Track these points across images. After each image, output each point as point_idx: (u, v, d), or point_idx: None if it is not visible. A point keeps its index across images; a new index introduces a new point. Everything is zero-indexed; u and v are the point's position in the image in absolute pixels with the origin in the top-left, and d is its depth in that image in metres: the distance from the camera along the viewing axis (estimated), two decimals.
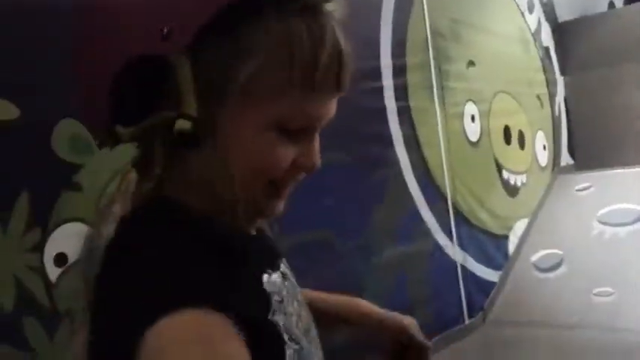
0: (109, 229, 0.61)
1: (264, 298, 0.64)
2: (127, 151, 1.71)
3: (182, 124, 0.56)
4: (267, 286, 0.65)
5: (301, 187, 0.72)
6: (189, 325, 0.49)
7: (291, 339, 0.64)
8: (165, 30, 0.55)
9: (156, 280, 0.53)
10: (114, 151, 1.74)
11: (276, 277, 0.68)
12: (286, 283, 0.71)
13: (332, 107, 0.63)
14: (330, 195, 2.25)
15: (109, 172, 1.76)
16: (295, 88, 0.57)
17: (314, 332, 0.73)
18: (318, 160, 0.63)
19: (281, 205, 0.67)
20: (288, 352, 0.63)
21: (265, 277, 0.66)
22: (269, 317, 0.63)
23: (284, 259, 0.76)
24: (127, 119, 0.59)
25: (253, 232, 0.71)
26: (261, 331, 0.56)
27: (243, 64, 0.56)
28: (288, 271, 0.75)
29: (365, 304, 0.95)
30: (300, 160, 0.62)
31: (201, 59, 0.57)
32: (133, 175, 0.65)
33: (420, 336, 0.89)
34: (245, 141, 0.58)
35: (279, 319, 0.63)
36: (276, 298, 0.65)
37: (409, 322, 0.91)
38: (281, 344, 0.62)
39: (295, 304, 0.70)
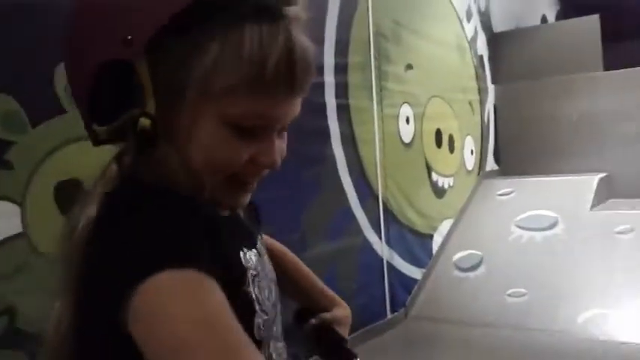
0: (90, 210, 0.62)
1: (240, 271, 0.68)
2: (63, 130, 1.67)
3: (143, 122, 0.59)
4: (243, 261, 0.69)
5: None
6: (182, 279, 0.53)
7: (261, 310, 0.68)
8: (129, 37, 0.58)
9: (149, 240, 0.56)
10: (49, 129, 1.70)
11: (251, 254, 0.72)
12: (261, 260, 0.75)
13: (291, 108, 0.64)
14: (262, 189, 2.25)
15: (43, 151, 1.71)
16: (245, 89, 0.59)
17: (279, 306, 0.77)
18: (277, 157, 0.65)
19: (246, 199, 0.69)
20: (257, 321, 0.67)
21: (241, 253, 0.69)
22: (244, 288, 0.67)
23: (260, 238, 0.80)
24: (101, 119, 0.62)
25: (226, 214, 0.74)
26: (235, 300, 0.58)
27: (197, 64, 0.58)
28: (263, 249, 0.78)
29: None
30: (258, 158, 0.63)
31: (159, 61, 0.59)
32: (115, 167, 0.66)
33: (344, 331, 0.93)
34: (201, 137, 0.61)
35: (252, 290, 0.68)
36: (251, 272, 0.69)
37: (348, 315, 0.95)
38: (252, 313, 0.67)
39: (268, 279, 0.74)
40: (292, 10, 0.62)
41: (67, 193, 1.68)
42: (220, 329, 0.53)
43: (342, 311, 0.92)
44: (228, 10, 0.58)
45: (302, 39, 0.62)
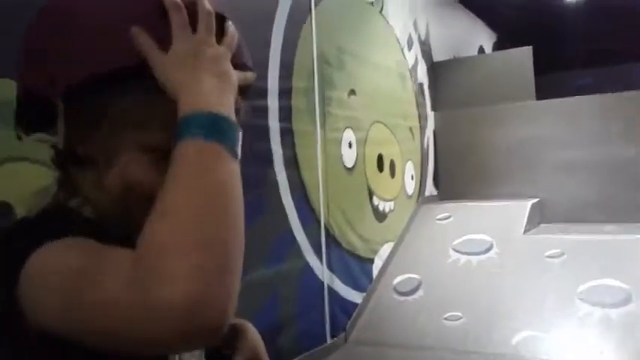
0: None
1: None
2: None
3: (53, 152, 0.68)
4: None
5: None
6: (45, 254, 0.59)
7: None
8: (52, 79, 0.64)
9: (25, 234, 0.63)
10: None
11: None
12: None
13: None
14: None
15: None
16: (157, 123, 0.64)
17: None
18: None
19: None
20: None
21: None
22: None
23: None
24: (23, 129, 0.70)
25: None
26: None
27: (113, 105, 0.65)
28: None
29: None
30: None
31: (75, 100, 0.65)
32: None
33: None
34: (119, 162, 0.66)
35: None
36: None
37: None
38: None
39: None
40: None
41: None
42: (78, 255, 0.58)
43: (248, 339, 0.92)
44: (138, 85, 0.64)
45: None
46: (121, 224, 0.68)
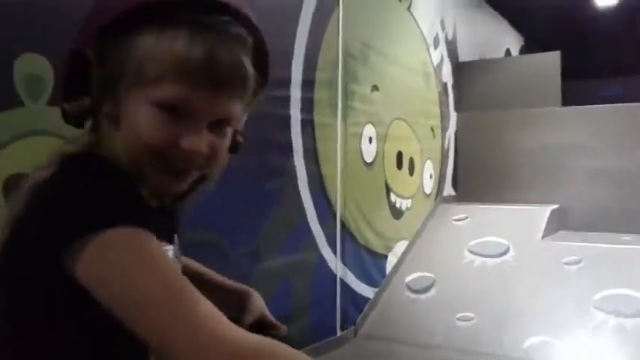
0: (41, 173, 0.70)
1: None
2: (20, 123, 1.62)
3: (84, 103, 0.70)
4: None
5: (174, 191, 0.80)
6: (136, 237, 0.62)
7: None
8: (82, 30, 0.69)
9: (99, 199, 0.64)
10: (3, 121, 1.65)
11: (169, 250, 0.79)
12: (175, 257, 0.83)
13: (218, 104, 0.71)
14: (221, 197, 2.23)
15: None
16: (173, 77, 0.67)
17: None
18: (201, 146, 0.71)
19: (177, 187, 0.75)
20: None
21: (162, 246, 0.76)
22: None
23: (176, 241, 0.87)
24: (67, 99, 0.72)
25: (153, 204, 0.79)
26: None
27: (134, 55, 0.68)
28: (178, 251, 0.87)
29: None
30: (181, 141, 0.70)
31: (105, 53, 0.69)
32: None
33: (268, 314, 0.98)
34: (132, 116, 0.69)
35: None
36: None
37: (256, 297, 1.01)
38: None
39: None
40: (229, 30, 0.71)
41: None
42: (172, 282, 0.62)
43: (254, 302, 0.97)
44: (167, 15, 0.68)
45: (228, 49, 0.70)
46: (137, 181, 0.71)
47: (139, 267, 0.61)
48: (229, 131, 0.75)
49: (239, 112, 0.74)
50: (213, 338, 0.59)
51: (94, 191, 0.64)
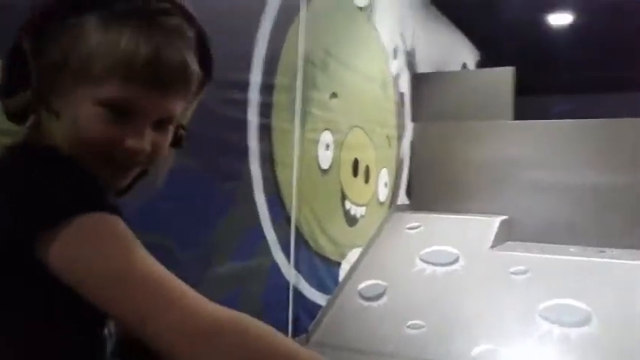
0: None
1: None
2: None
3: (23, 97, 0.69)
4: None
5: (140, 186, 0.80)
6: (107, 221, 0.64)
7: None
8: (23, 24, 0.68)
9: (66, 185, 0.64)
10: None
11: None
12: None
13: (162, 104, 0.72)
14: (172, 199, 2.18)
15: None
16: (118, 75, 0.67)
17: None
18: (145, 145, 0.72)
19: (118, 182, 0.76)
20: None
21: None
22: None
23: None
24: (4, 93, 0.71)
25: None
26: None
27: (78, 48, 0.67)
28: None
29: None
30: (125, 141, 0.70)
31: (44, 43, 0.68)
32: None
33: None
34: (74, 110, 0.69)
35: None
36: None
37: None
38: None
39: None
40: (171, 22, 0.71)
41: None
42: (145, 263, 0.63)
43: None
44: (110, 6, 0.68)
45: (174, 49, 0.70)
46: None
47: (113, 250, 0.62)
48: (171, 127, 0.76)
49: (181, 109, 0.75)
50: (188, 312, 0.60)
51: (61, 178, 0.65)
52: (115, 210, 0.65)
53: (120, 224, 0.64)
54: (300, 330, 3.27)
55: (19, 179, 0.65)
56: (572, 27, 5.87)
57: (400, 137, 4.63)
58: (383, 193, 4.34)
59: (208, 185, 2.52)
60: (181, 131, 0.80)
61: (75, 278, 0.62)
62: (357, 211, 3.91)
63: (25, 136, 0.72)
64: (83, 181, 0.66)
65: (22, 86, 0.69)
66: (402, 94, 4.67)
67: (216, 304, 0.64)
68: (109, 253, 0.62)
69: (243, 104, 2.74)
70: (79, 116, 0.69)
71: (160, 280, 0.62)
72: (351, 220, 3.85)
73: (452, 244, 3.89)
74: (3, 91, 0.71)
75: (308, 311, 3.35)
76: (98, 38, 0.67)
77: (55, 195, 0.63)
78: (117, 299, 0.61)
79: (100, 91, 0.68)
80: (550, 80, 7.02)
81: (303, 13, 3.14)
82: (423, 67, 5.06)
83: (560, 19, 5.81)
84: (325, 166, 3.49)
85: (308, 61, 3.23)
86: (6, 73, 0.71)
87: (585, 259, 3.69)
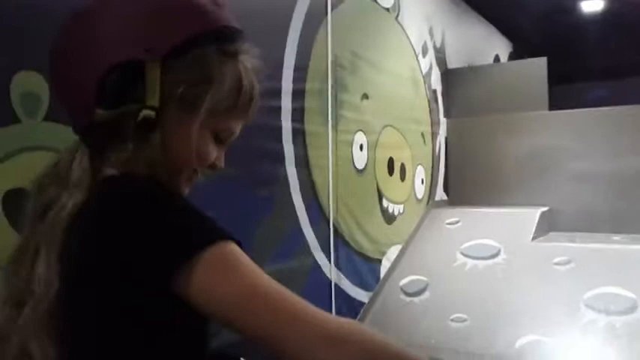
0: (77, 195, 0.75)
1: None
2: (14, 139, 1.67)
3: (147, 113, 0.75)
4: None
5: (187, 197, 0.88)
6: (232, 248, 0.73)
7: None
8: (150, 46, 0.74)
9: (192, 220, 0.72)
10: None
11: None
12: None
13: (240, 126, 0.86)
14: (214, 207, 2.26)
15: None
16: (228, 110, 0.80)
17: None
18: (223, 163, 0.86)
19: (187, 191, 0.87)
20: None
21: None
22: None
23: None
24: (106, 104, 0.76)
25: None
26: None
27: (216, 88, 0.77)
28: None
29: None
30: (217, 161, 0.84)
31: (170, 71, 0.76)
32: (81, 153, 0.79)
33: None
34: (189, 136, 0.78)
35: None
36: None
37: None
38: None
39: None
40: (255, 64, 0.84)
41: (15, 203, 1.68)
42: (266, 277, 0.75)
43: None
44: (222, 43, 0.78)
45: (258, 85, 0.85)
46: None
47: (241, 274, 0.71)
48: None
49: None
50: (314, 322, 0.69)
51: (184, 213, 0.73)
52: (231, 236, 0.74)
53: (239, 249, 0.73)
54: None
55: (145, 217, 0.70)
56: (602, 13, 5.77)
57: (435, 134, 4.64)
58: (420, 190, 4.36)
59: (247, 190, 2.61)
60: None
61: (212, 305, 0.69)
62: (394, 208, 3.95)
63: (119, 164, 0.77)
64: (200, 214, 0.74)
65: (124, 102, 0.75)
66: (434, 91, 4.69)
67: (333, 316, 0.72)
68: (237, 279, 0.70)
69: (276, 111, 2.83)
70: (190, 137, 0.78)
71: (284, 296, 0.72)
72: (389, 218, 3.89)
73: (492, 238, 3.89)
74: (100, 101, 0.75)
75: (351, 308, 3.41)
76: (231, 82, 0.78)
77: (188, 230, 0.71)
78: (250, 323, 0.69)
79: (218, 124, 0.79)
80: (584, 67, 6.90)
81: (329, 17, 3.21)
82: (454, 63, 5.06)
83: (591, 6, 5.72)
84: (360, 166, 3.55)
85: (337, 64, 3.30)
86: (112, 86, 0.75)
87: (629, 247, 3.63)
